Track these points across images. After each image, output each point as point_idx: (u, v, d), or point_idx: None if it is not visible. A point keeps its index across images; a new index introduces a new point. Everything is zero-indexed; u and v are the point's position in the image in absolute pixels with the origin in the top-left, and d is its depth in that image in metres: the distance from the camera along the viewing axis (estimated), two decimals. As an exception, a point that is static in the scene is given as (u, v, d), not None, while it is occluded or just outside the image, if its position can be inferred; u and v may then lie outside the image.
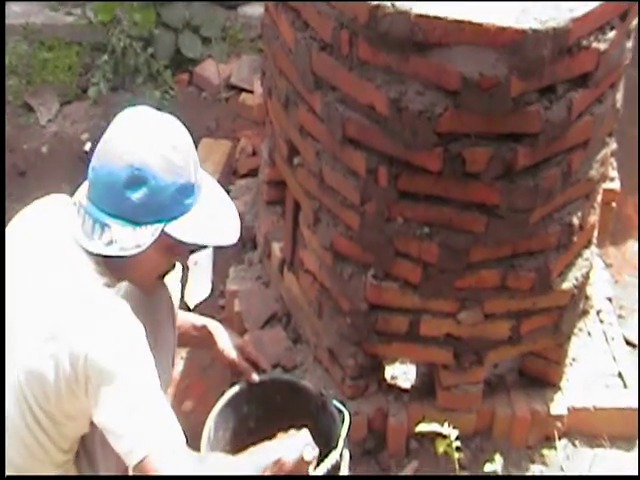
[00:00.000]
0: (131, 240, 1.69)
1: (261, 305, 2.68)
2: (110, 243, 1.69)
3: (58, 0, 4.05)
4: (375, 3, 1.88)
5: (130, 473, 1.79)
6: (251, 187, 3.03)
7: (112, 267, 1.75)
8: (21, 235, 1.82)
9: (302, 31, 2.13)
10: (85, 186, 1.77)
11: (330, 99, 2.08)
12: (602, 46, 1.97)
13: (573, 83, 1.98)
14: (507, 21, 1.84)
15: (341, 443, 1.97)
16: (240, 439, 2.13)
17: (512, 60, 1.85)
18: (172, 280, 2.03)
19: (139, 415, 1.64)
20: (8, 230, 1.85)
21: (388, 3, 1.87)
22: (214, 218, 1.77)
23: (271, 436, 1.99)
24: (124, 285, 1.83)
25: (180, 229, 1.71)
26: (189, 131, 1.79)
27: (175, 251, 1.78)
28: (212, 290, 2.93)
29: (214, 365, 2.70)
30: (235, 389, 2.15)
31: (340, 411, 2.07)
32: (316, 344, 2.48)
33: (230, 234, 1.78)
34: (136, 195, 1.67)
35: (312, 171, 2.25)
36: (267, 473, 1.75)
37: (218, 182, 3.24)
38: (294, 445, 1.83)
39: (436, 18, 1.85)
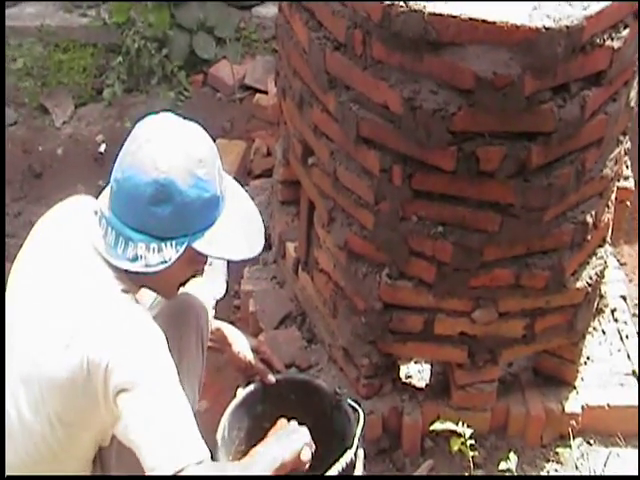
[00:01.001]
0: (157, 257, 1.66)
1: (276, 305, 2.69)
2: (135, 259, 1.66)
3: (72, 0, 4.07)
4: (388, 2, 1.88)
5: None
6: (265, 187, 3.04)
7: (131, 275, 1.72)
8: (40, 238, 1.81)
9: (316, 31, 2.14)
10: (106, 194, 1.73)
11: (344, 99, 2.09)
12: (616, 44, 1.96)
13: (587, 81, 1.97)
14: (520, 19, 1.84)
15: (356, 442, 1.98)
16: (254, 438, 2.14)
17: (526, 59, 1.85)
18: (202, 306, 2.03)
19: (166, 428, 1.59)
20: (31, 233, 1.84)
21: (401, 2, 1.87)
22: (239, 229, 1.75)
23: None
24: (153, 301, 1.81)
25: (206, 244, 1.69)
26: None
27: (197, 261, 1.76)
28: (227, 290, 2.94)
29: (228, 365, 2.71)
30: (249, 388, 2.15)
31: (355, 410, 2.08)
32: (331, 343, 2.48)
33: (255, 245, 1.77)
34: (161, 211, 1.63)
35: (326, 171, 2.25)
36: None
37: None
38: (293, 446, 1.78)
39: (449, 17, 1.85)
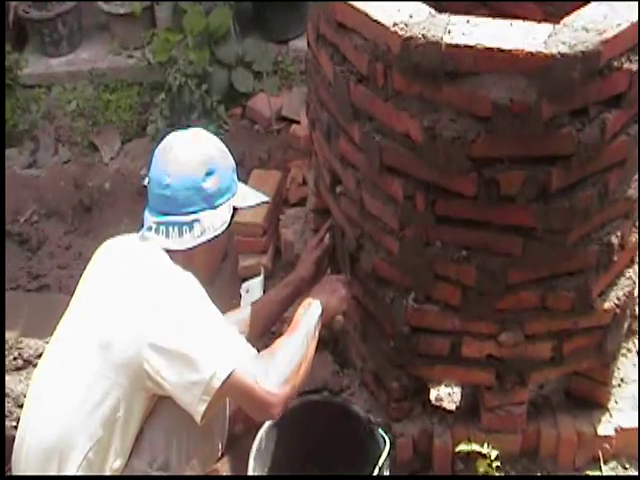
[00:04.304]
0: (218, 220, 2.07)
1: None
2: (203, 232, 2.05)
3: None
4: (407, 35, 1.94)
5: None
6: (300, 216, 3.10)
7: (182, 262, 2.03)
8: (104, 256, 2.16)
9: (340, 65, 2.21)
10: (147, 216, 2.09)
11: (368, 129, 2.15)
12: (634, 67, 1.98)
13: (606, 104, 1.99)
14: (536, 46, 1.87)
15: (376, 471, 2.02)
16: (291, 453, 2.19)
17: (542, 85, 1.88)
18: None
19: (211, 337, 1.89)
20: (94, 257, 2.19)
21: (419, 34, 1.93)
22: (248, 186, 2.25)
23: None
24: None
25: (242, 199, 2.14)
26: (242, 163, 2.04)
27: (229, 227, 2.13)
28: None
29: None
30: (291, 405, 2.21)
31: (384, 440, 2.12)
32: (362, 368, 2.52)
33: (260, 193, 2.25)
34: (211, 183, 2.06)
35: (353, 199, 2.31)
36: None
37: (270, 212, 3.35)
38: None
39: (466, 47, 1.89)
